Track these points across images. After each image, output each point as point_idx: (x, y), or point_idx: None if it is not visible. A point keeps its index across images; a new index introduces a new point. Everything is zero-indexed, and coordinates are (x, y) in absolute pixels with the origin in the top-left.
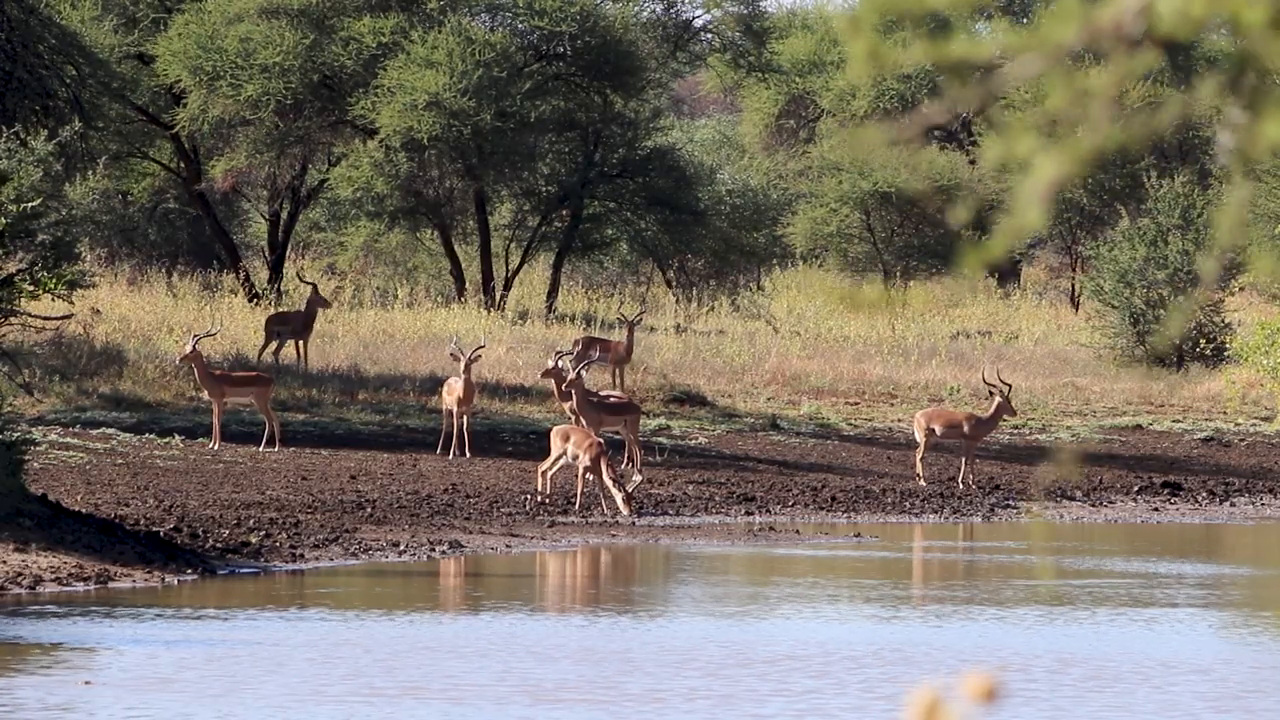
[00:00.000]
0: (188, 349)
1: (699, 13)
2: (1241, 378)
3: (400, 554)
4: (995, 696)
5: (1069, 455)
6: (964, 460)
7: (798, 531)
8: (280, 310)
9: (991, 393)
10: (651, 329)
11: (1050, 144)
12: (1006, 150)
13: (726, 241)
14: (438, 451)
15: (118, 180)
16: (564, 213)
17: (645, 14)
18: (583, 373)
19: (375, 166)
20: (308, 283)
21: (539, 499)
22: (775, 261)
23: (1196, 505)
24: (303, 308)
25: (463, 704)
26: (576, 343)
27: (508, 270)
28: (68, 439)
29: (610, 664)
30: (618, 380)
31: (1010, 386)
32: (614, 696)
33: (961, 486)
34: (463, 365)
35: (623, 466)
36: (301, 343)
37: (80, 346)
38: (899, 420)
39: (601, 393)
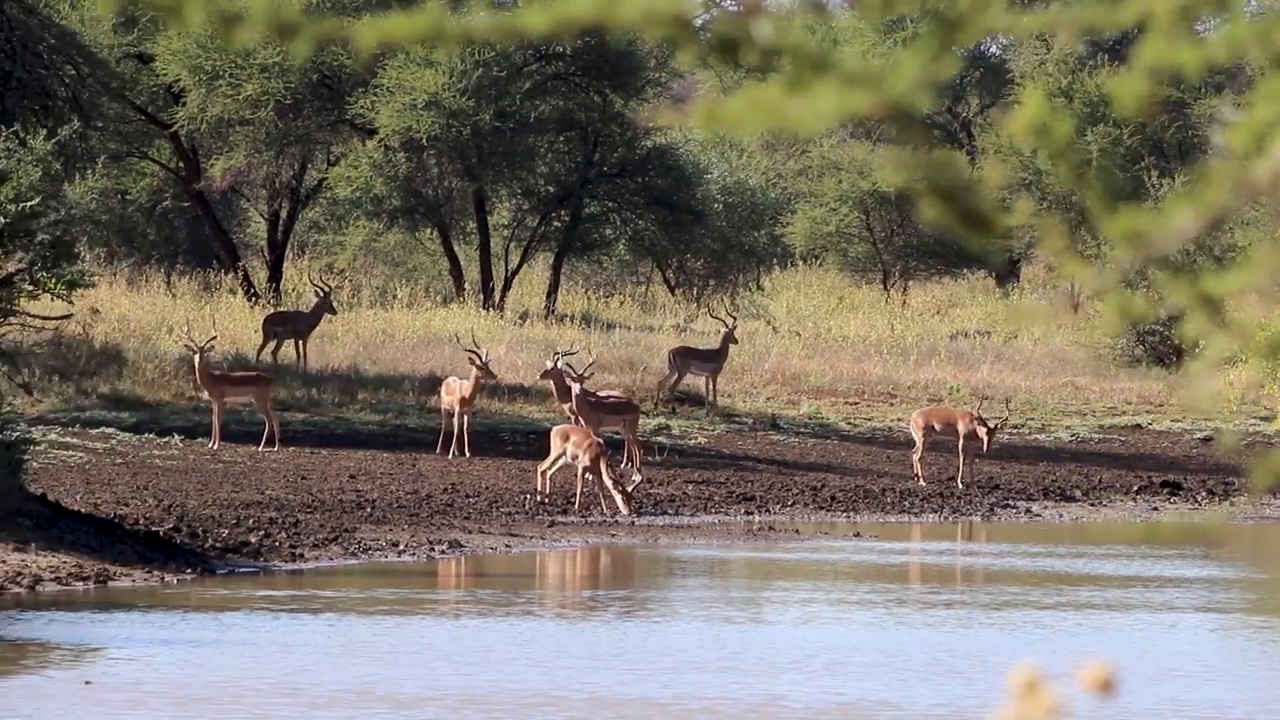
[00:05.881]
0: (196, 363)
1: (699, 13)
2: (1241, 378)
3: (400, 554)
4: (1111, 688)
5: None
6: (963, 459)
7: (797, 531)
8: (279, 310)
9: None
10: (651, 329)
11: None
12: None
13: (726, 241)
14: (437, 451)
15: (117, 180)
16: (563, 213)
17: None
18: (584, 373)
19: (374, 166)
20: (321, 287)
21: (539, 499)
22: (775, 261)
23: (1196, 505)
24: (307, 309)
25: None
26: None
27: (507, 270)
28: (67, 439)
29: (612, 664)
30: (709, 388)
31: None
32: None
33: (960, 486)
34: (476, 369)
35: (622, 466)
36: (301, 342)
37: (80, 346)
38: (898, 420)
39: (600, 392)
